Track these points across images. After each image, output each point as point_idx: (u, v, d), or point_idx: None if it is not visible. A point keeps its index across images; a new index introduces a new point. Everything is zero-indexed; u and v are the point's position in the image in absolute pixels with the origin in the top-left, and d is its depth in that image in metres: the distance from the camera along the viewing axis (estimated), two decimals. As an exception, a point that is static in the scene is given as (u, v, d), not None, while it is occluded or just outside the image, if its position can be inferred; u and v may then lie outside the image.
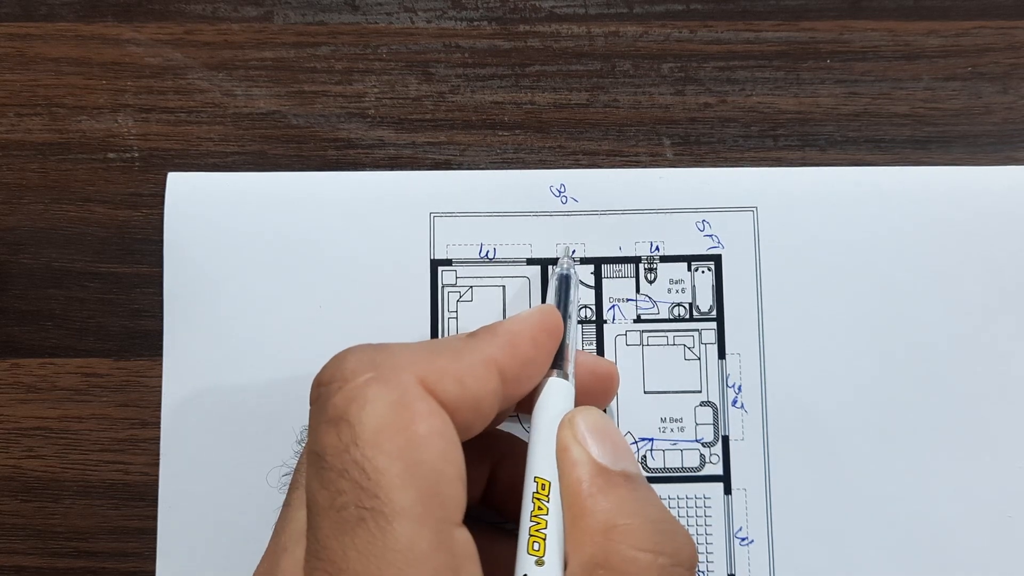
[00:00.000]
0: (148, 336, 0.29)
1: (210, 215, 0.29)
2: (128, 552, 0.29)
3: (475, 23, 0.31)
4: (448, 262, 0.29)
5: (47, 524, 0.29)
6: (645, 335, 0.29)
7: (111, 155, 0.30)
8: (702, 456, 0.28)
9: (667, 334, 0.29)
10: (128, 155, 0.30)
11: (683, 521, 0.28)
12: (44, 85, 0.31)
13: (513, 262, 0.29)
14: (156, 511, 0.28)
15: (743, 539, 0.28)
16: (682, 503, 0.28)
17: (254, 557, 0.21)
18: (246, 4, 0.31)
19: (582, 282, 0.28)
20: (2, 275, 0.30)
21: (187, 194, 0.29)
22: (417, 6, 0.31)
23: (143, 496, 0.29)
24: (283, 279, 0.29)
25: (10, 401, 0.29)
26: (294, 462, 0.28)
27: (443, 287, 0.29)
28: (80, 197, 0.30)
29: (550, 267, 0.29)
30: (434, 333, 0.29)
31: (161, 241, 0.30)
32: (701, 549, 0.28)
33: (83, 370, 0.29)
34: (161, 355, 0.29)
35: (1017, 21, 0.31)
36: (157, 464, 0.29)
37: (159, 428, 0.29)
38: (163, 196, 0.30)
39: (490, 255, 0.29)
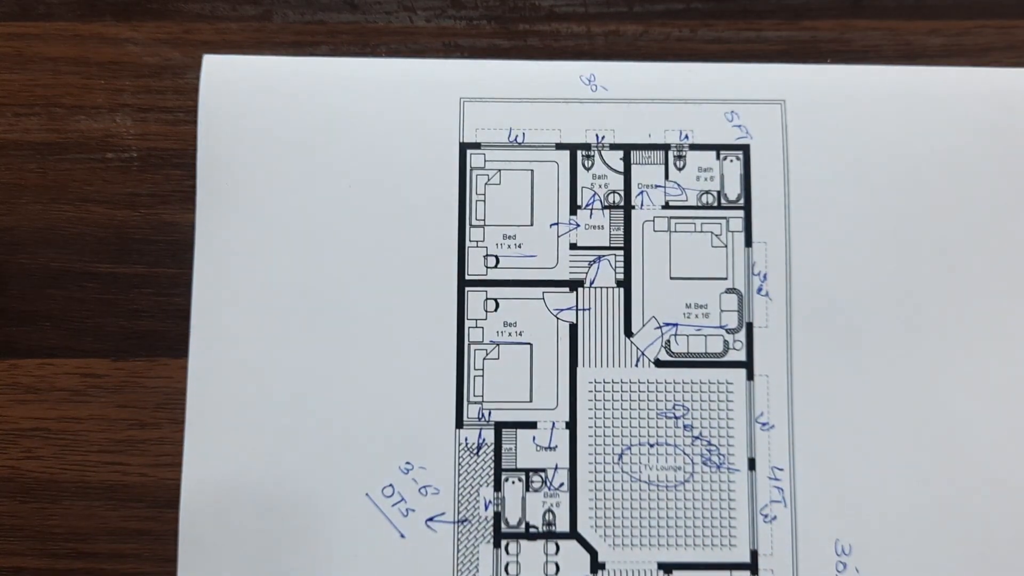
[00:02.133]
0: (146, 336, 0.29)
1: (244, 98, 0.29)
2: (127, 553, 0.29)
3: (475, 22, 0.31)
4: (477, 145, 0.29)
5: (45, 525, 0.29)
6: (673, 221, 0.29)
7: (109, 155, 0.30)
8: (726, 342, 0.29)
9: (695, 221, 0.29)
10: (126, 155, 0.30)
11: (706, 406, 0.28)
12: (42, 85, 0.31)
13: (542, 147, 0.29)
14: (154, 512, 0.28)
15: (764, 424, 0.28)
16: (704, 388, 0.28)
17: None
18: (245, 3, 0.31)
19: (610, 167, 0.29)
20: (0, 275, 0.30)
21: (222, 76, 0.29)
22: (416, 5, 0.31)
23: (141, 497, 0.29)
24: (314, 159, 0.29)
25: (8, 402, 0.29)
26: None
27: (471, 170, 0.29)
28: (78, 197, 0.30)
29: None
30: (461, 215, 0.29)
31: (160, 241, 0.29)
32: (723, 434, 0.28)
33: (81, 371, 0.29)
34: (159, 355, 0.29)
35: (1018, 21, 0.31)
36: (155, 465, 0.28)
37: (158, 429, 0.29)
38: (162, 196, 0.30)
39: (519, 140, 0.30)
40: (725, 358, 0.29)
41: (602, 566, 0.28)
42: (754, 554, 0.28)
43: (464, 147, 0.30)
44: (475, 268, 0.29)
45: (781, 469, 0.28)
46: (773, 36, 0.31)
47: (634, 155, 0.30)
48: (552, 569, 0.28)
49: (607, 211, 0.29)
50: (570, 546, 0.28)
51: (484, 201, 0.29)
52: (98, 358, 0.29)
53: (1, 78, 0.31)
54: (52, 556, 0.29)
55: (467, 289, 0.29)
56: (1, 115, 0.30)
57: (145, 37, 0.31)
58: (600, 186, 0.30)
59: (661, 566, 0.28)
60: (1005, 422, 0.28)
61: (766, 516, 0.28)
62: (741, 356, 0.29)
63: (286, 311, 0.28)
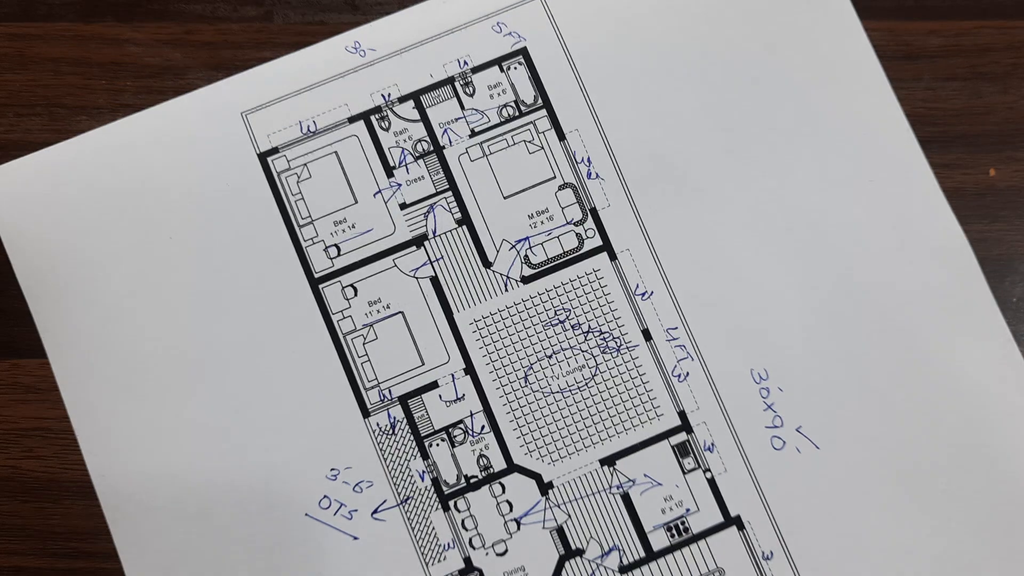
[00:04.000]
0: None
1: (39, 198, 0.29)
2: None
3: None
4: (275, 150, 0.29)
5: (46, 525, 0.29)
6: (485, 145, 0.29)
7: None
8: (578, 235, 0.29)
9: (505, 137, 0.30)
10: None
11: (584, 300, 0.29)
12: (44, 85, 0.31)
13: (336, 127, 0.29)
14: None
15: (643, 294, 0.29)
16: (576, 284, 0.29)
17: None
18: (246, 4, 0.31)
19: (407, 119, 0.29)
20: (2, 276, 0.29)
21: (11, 183, 0.29)
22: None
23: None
24: (129, 226, 0.29)
25: (9, 402, 0.29)
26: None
27: (279, 175, 0.29)
28: None
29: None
30: (287, 220, 0.29)
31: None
32: (610, 319, 0.29)
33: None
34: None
35: (1017, 21, 0.31)
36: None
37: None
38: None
39: (311, 129, 0.29)
40: (584, 249, 0.29)
41: (549, 485, 0.28)
42: (682, 414, 0.29)
43: (263, 157, 0.29)
44: (321, 264, 0.29)
45: (675, 328, 0.29)
46: None
47: (425, 99, 0.30)
48: (506, 508, 0.28)
49: (421, 161, 0.30)
50: (513, 480, 0.28)
51: (303, 198, 0.29)
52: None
53: (3, 78, 0.31)
54: (52, 555, 0.29)
55: (321, 287, 0.29)
56: (3, 115, 0.30)
57: (146, 38, 0.31)
58: (405, 140, 0.30)
59: (603, 462, 0.28)
60: (839, 207, 0.29)
61: (679, 376, 0.29)
62: (597, 241, 0.29)
63: (160, 381, 0.28)
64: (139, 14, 0.31)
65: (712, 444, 0.28)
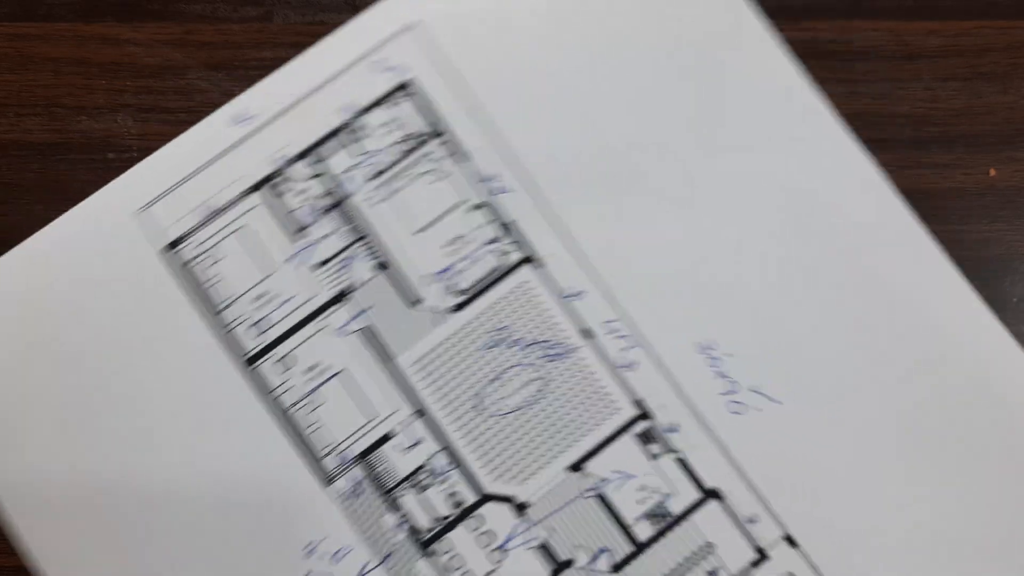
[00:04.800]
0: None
1: None
2: None
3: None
4: (179, 240, 0.29)
5: None
6: (388, 185, 0.29)
7: (111, 155, 0.30)
8: (503, 251, 0.29)
9: (406, 172, 0.29)
10: (128, 155, 0.30)
11: (519, 314, 0.29)
12: (43, 85, 0.30)
13: (235, 202, 0.29)
14: None
15: (576, 294, 0.29)
16: (508, 300, 0.29)
17: None
18: (246, 4, 0.30)
19: (305, 177, 0.28)
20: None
21: None
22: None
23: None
24: (45, 355, 0.28)
25: None
26: None
27: (187, 265, 0.29)
28: (80, 197, 0.29)
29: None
30: (208, 306, 0.28)
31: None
32: (548, 327, 0.28)
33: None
34: None
35: (1017, 21, 0.31)
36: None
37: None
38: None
39: (211, 211, 0.29)
40: (508, 265, 0.29)
41: (524, 505, 0.28)
42: (639, 403, 0.29)
43: (169, 249, 0.29)
44: (250, 343, 0.29)
45: (613, 320, 0.29)
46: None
47: (319, 154, 0.30)
48: (486, 539, 0.28)
49: (328, 215, 0.29)
50: (488, 509, 0.28)
51: (218, 282, 0.29)
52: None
53: (2, 78, 0.30)
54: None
55: (254, 367, 0.28)
56: (2, 115, 0.30)
57: (146, 38, 0.30)
58: (307, 199, 0.29)
59: (571, 469, 0.28)
60: (754, 172, 0.30)
61: (627, 366, 0.29)
62: (519, 254, 0.29)
63: (120, 526, 0.27)
64: (139, 14, 0.31)
65: (674, 425, 0.29)
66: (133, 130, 0.30)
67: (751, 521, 0.28)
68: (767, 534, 0.28)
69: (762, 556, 0.28)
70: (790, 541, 0.28)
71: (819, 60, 0.31)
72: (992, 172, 0.31)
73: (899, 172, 0.30)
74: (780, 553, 0.28)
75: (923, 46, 0.31)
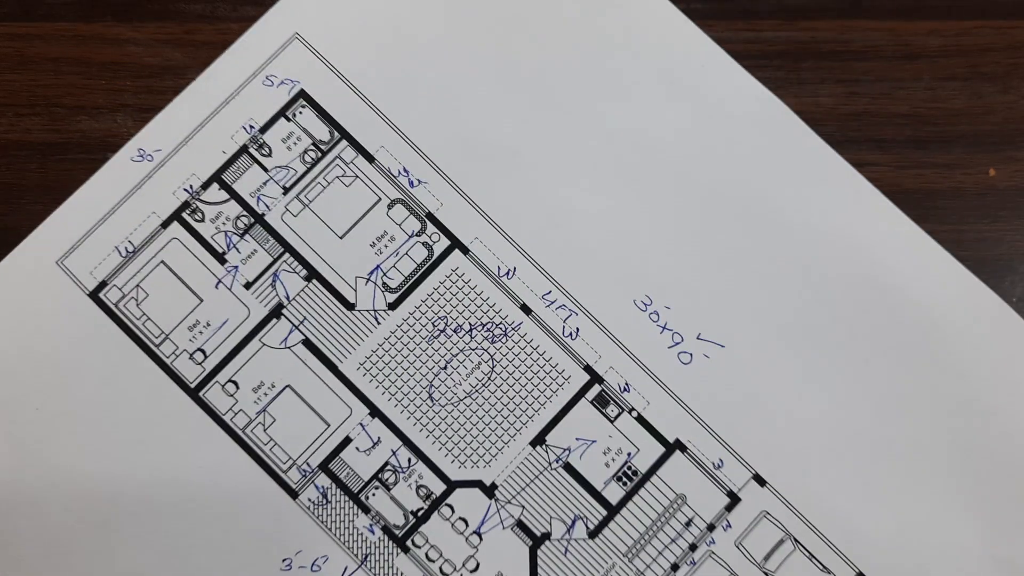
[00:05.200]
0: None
1: None
2: None
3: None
4: (103, 284, 0.29)
5: None
6: (301, 196, 0.29)
7: (110, 155, 0.29)
8: (425, 244, 0.29)
9: (317, 181, 0.29)
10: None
11: (456, 301, 0.28)
12: (43, 85, 0.30)
13: (152, 238, 0.29)
14: None
15: (506, 273, 0.29)
16: (442, 289, 0.29)
17: None
18: (246, 4, 0.30)
19: (216, 202, 0.28)
20: None
21: None
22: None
23: None
24: None
25: None
26: None
27: (115, 306, 0.28)
28: None
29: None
30: (143, 346, 0.28)
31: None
32: (486, 309, 0.28)
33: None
34: None
35: (1017, 21, 0.31)
36: None
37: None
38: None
39: (129, 250, 0.29)
40: (435, 255, 0.29)
41: (493, 487, 0.28)
42: (588, 368, 0.29)
43: (95, 294, 0.29)
44: (192, 373, 0.28)
45: (548, 292, 0.29)
46: (772, 36, 0.31)
47: (227, 177, 0.29)
48: (461, 525, 0.28)
49: (247, 236, 0.29)
50: (457, 496, 0.28)
51: (148, 319, 0.29)
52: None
53: (2, 78, 0.30)
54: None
55: (201, 394, 0.28)
56: (2, 115, 0.30)
57: (146, 37, 0.30)
58: (223, 223, 0.29)
59: (533, 444, 0.28)
60: (658, 123, 0.29)
61: (571, 334, 0.29)
62: (445, 242, 0.29)
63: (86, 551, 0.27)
64: (139, 14, 0.30)
65: (626, 384, 0.29)
66: (133, 130, 0.30)
67: (717, 466, 0.28)
68: (735, 477, 0.28)
69: (734, 499, 0.28)
70: (758, 480, 0.28)
71: (819, 60, 0.30)
72: (992, 172, 0.30)
73: (899, 172, 0.30)
74: (751, 493, 0.28)
75: (923, 46, 0.31)
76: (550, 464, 0.29)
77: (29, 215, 0.29)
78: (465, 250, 0.29)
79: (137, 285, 0.29)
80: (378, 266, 0.29)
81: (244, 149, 0.29)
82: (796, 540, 0.28)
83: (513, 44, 0.30)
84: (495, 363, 0.29)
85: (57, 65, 0.30)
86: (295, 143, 0.29)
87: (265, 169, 0.29)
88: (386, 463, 0.28)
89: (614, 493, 0.28)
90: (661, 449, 0.28)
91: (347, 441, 0.28)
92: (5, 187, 0.30)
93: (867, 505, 0.28)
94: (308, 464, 0.28)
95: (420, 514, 0.28)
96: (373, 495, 0.28)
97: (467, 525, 0.28)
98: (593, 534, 0.28)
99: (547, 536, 0.28)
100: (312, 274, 0.29)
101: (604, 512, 0.28)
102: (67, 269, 0.29)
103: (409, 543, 0.28)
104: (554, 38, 0.30)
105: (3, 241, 0.29)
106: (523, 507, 0.28)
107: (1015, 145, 0.30)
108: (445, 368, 0.29)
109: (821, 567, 0.28)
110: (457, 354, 0.29)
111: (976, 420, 0.28)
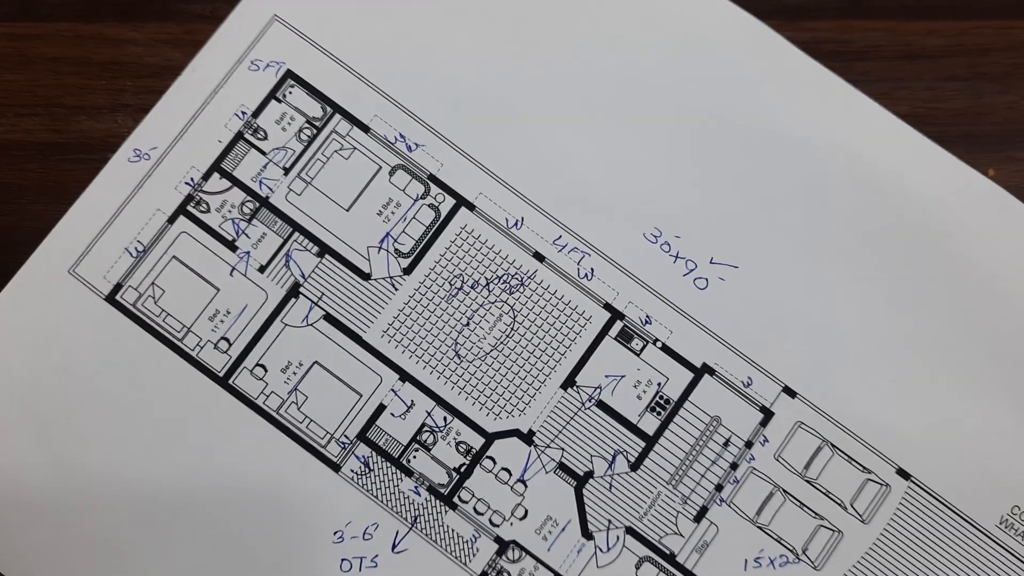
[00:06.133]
0: None
1: None
2: None
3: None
4: (117, 287, 0.29)
5: None
6: (303, 174, 0.29)
7: (111, 155, 0.29)
8: (431, 206, 0.29)
9: (316, 157, 0.29)
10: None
11: (469, 258, 0.29)
12: (44, 85, 0.30)
13: (160, 235, 0.29)
14: None
15: (515, 223, 0.29)
16: (454, 247, 0.29)
17: None
18: None
19: (217, 191, 0.28)
20: (2, 276, 0.29)
21: None
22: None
23: None
24: (14, 428, 0.28)
25: None
26: None
27: (133, 306, 0.29)
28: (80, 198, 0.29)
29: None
30: (171, 344, 0.28)
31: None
32: (500, 261, 0.28)
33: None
34: None
35: (1017, 21, 0.31)
36: None
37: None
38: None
39: (139, 249, 0.29)
40: (443, 215, 0.29)
41: (531, 434, 0.29)
42: (608, 306, 0.29)
43: (111, 297, 0.29)
44: (219, 362, 0.28)
45: (558, 237, 0.29)
46: None
47: (226, 165, 0.29)
48: (505, 476, 0.28)
49: (255, 221, 0.29)
50: (497, 448, 0.28)
51: (169, 315, 0.29)
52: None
53: (3, 78, 0.30)
54: None
55: (231, 381, 0.28)
56: (3, 115, 0.30)
57: (146, 38, 0.30)
58: (229, 210, 0.29)
59: (563, 387, 0.29)
60: (647, 56, 0.30)
61: (586, 276, 0.29)
62: (451, 202, 0.29)
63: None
64: (139, 14, 0.30)
65: (647, 316, 0.29)
66: (133, 130, 0.30)
67: (747, 384, 0.29)
68: (766, 392, 0.29)
69: (767, 414, 0.29)
70: (789, 392, 0.29)
71: (819, 60, 0.30)
72: (992, 172, 0.30)
73: (899, 172, 0.31)
74: (783, 406, 0.29)
75: (923, 46, 0.31)
76: (583, 404, 0.29)
77: (29, 215, 0.29)
78: (471, 207, 0.29)
79: (152, 283, 0.29)
80: (388, 233, 0.29)
81: (240, 135, 0.29)
82: (833, 445, 0.29)
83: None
84: (516, 313, 0.29)
85: (57, 65, 0.30)
86: (289, 123, 0.29)
87: (263, 152, 0.29)
88: (423, 425, 0.29)
89: (650, 424, 0.29)
90: (689, 375, 0.29)
91: (381, 408, 0.29)
92: (5, 187, 0.30)
93: (900, 403, 0.29)
94: (346, 436, 0.28)
95: (463, 470, 0.28)
96: (414, 457, 0.28)
97: (510, 475, 0.29)
98: (635, 466, 0.29)
99: (590, 475, 0.29)
100: (324, 250, 0.29)
101: (642, 444, 0.29)
102: (80, 277, 0.29)
103: (456, 499, 0.28)
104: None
105: (3, 241, 0.29)
106: (563, 449, 0.29)
107: (1015, 145, 0.31)
108: (468, 324, 0.29)
109: (862, 468, 0.28)
110: (478, 309, 0.29)
111: (994, 306, 0.29)
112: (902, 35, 0.31)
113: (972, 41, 0.31)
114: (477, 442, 0.29)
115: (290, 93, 0.30)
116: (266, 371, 0.28)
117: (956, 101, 0.31)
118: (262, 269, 0.29)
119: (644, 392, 0.29)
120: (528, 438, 0.29)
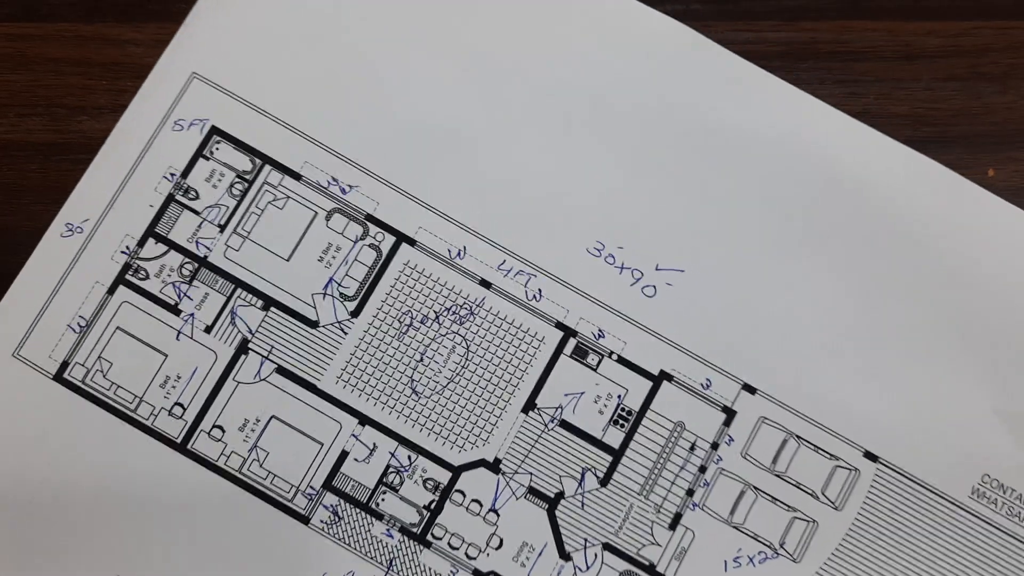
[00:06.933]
0: None
1: None
2: None
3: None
4: (64, 365, 0.28)
5: None
6: (239, 230, 0.29)
7: None
8: (372, 246, 0.29)
9: (251, 211, 0.29)
10: None
11: (413, 294, 0.28)
12: (45, 85, 0.30)
13: (102, 307, 0.28)
14: None
15: (458, 253, 0.29)
16: (398, 286, 0.28)
17: None
18: None
19: (155, 257, 0.28)
20: (2, 276, 0.29)
21: None
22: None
23: None
24: None
25: None
26: None
27: (83, 383, 0.28)
28: None
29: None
30: (124, 416, 0.28)
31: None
32: (445, 294, 0.28)
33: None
34: None
35: (1017, 21, 0.31)
36: None
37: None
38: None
39: (81, 324, 0.29)
40: (385, 254, 0.29)
41: (497, 462, 0.28)
42: (560, 325, 0.29)
43: (59, 376, 0.28)
44: (175, 429, 0.28)
45: (503, 262, 0.29)
46: (772, 37, 0.31)
47: (160, 229, 0.29)
48: (476, 507, 0.28)
49: (195, 282, 0.29)
50: (465, 480, 0.28)
51: (119, 386, 0.28)
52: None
53: (3, 79, 0.30)
54: None
55: (190, 446, 0.28)
56: (3, 115, 0.30)
57: (147, 38, 0.30)
58: (168, 274, 0.29)
59: (524, 410, 0.29)
60: (564, 61, 0.30)
61: (535, 297, 0.29)
62: (391, 240, 0.29)
63: None
64: (140, 14, 0.30)
65: (600, 331, 0.29)
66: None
67: (706, 387, 0.29)
68: (725, 391, 0.29)
69: (729, 413, 0.29)
70: (748, 389, 0.29)
71: (819, 60, 0.31)
72: (991, 172, 0.31)
73: (899, 172, 0.31)
74: (744, 404, 0.29)
75: (923, 46, 0.31)
76: (546, 426, 0.29)
77: (29, 215, 0.29)
78: (412, 242, 0.29)
79: (99, 357, 0.28)
80: (331, 278, 0.29)
81: (171, 198, 0.29)
82: (799, 437, 0.29)
83: (422, 21, 0.30)
84: (468, 343, 0.29)
85: (58, 65, 0.30)
86: (220, 179, 0.29)
87: (196, 212, 0.29)
88: (388, 466, 0.28)
89: (614, 437, 0.29)
90: (648, 384, 0.29)
91: (344, 455, 0.28)
92: (6, 187, 0.30)
93: (860, 386, 0.29)
94: (312, 487, 0.28)
95: (433, 507, 0.28)
96: (383, 500, 0.28)
97: (481, 505, 0.28)
98: (604, 482, 0.28)
99: (561, 495, 0.28)
100: (269, 302, 0.29)
101: (610, 458, 0.28)
102: (25, 359, 0.28)
103: (429, 537, 0.28)
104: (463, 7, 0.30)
105: (3, 241, 0.29)
106: (531, 474, 0.28)
107: (1014, 145, 0.31)
108: (422, 360, 0.29)
109: (829, 455, 0.29)
110: (430, 344, 0.29)
111: (947, 286, 0.29)
112: (901, 35, 0.31)
113: (971, 41, 0.31)
114: (444, 477, 0.28)
115: (217, 149, 0.29)
116: (224, 432, 0.28)
117: (955, 101, 0.31)
118: (208, 329, 0.29)
119: (605, 406, 0.29)
120: (495, 467, 0.29)
